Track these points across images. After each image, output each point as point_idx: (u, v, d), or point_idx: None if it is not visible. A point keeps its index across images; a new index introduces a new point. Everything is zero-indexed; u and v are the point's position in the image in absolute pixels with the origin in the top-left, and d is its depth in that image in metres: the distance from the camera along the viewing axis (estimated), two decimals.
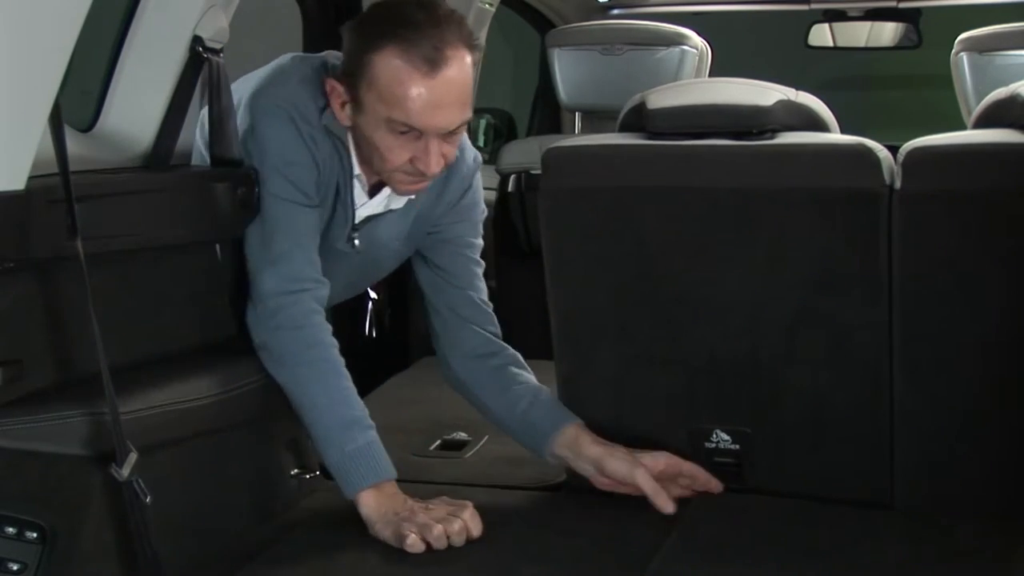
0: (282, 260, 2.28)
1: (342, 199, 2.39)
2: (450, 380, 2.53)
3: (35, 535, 1.89)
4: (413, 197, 2.43)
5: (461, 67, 2.21)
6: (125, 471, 1.89)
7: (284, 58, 2.41)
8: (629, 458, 2.31)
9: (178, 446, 2.08)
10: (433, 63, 2.17)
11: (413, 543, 2.08)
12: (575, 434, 2.37)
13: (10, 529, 1.89)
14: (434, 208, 2.50)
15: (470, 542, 2.13)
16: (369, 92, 2.21)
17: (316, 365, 2.25)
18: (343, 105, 2.28)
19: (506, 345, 2.50)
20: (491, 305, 2.54)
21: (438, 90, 2.18)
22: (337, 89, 2.27)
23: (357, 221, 2.42)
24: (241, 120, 2.31)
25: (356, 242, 2.43)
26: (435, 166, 2.26)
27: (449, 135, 2.26)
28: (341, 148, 2.35)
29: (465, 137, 2.42)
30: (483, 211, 2.60)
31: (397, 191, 2.37)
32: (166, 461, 2.04)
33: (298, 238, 2.31)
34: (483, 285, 2.55)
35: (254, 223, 2.30)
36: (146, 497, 1.90)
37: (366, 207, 2.42)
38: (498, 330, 2.52)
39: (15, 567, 1.88)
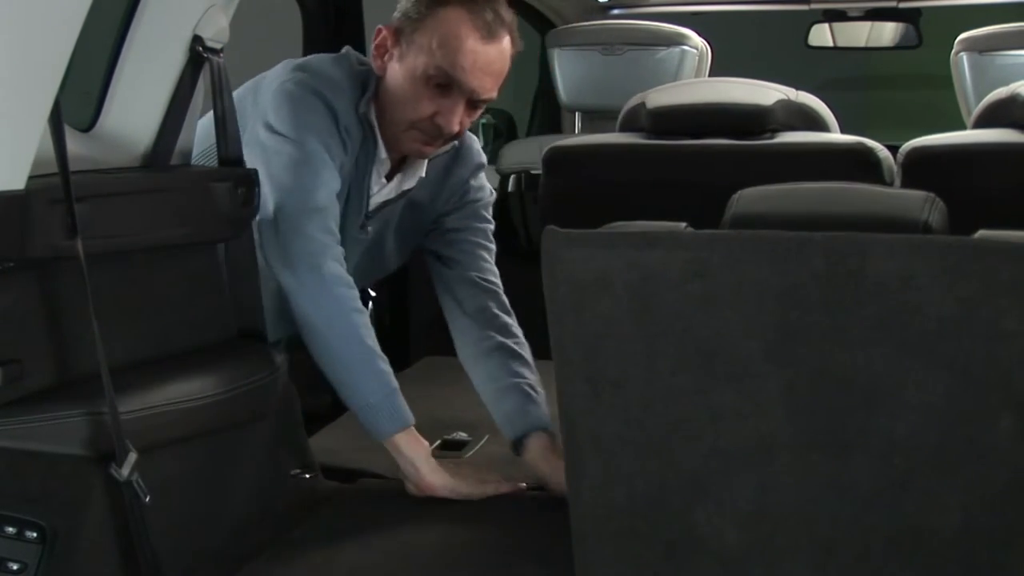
0: (321, 213, 2.35)
1: (358, 186, 2.48)
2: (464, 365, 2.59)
3: (35, 535, 1.89)
4: (423, 175, 2.53)
5: (508, 47, 2.41)
6: (125, 471, 1.89)
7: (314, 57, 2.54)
8: None
9: (178, 446, 2.08)
10: (491, 31, 2.37)
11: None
12: (535, 443, 2.42)
13: (10, 529, 1.89)
14: (439, 193, 2.58)
15: (469, 544, 2.13)
16: (423, 39, 2.37)
17: (352, 306, 2.32)
18: (384, 52, 2.42)
19: (516, 335, 2.54)
20: (501, 287, 2.60)
21: (488, 55, 2.37)
22: (385, 35, 2.43)
23: (371, 208, 2.51)
24: (274, 99, 2.41)
25: (369, 228, 2.52)
26: (455, 125, 2.40)
27: (473, 105, 2.41)
28: (369, 137, 2.46)
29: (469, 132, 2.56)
30: (491, 193, 2.68)
31: (404, 149, 2.48)
32: (166, 461, 2.04)
33: (331, 199, 2.39)
34: (493, 269, 2.61)
35: (290, 172, 2.37)
36: (146, 497, 1.90)
37: (380, 193, 2.52)
38: (508, 319, 2.56)
39: (15, 567, 1.88)
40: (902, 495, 1.61)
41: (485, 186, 2.66)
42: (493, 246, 2.64)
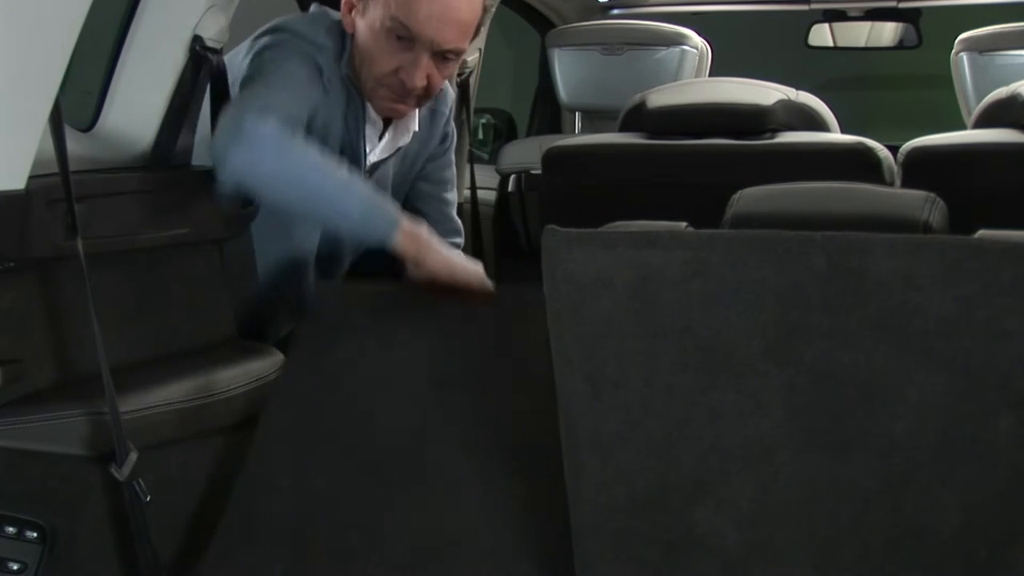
0: (274, 109, 2.20)
1: (352, 148, 2.43)
2: None
3: (35, 535, 1.90)
4: (417, 130, 2.49)
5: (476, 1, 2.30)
6: (125, 471, 1.89)
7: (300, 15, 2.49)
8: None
9: (178, 446, 2.08)
10: None
11: None
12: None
13: (10, 529, 1.89)
14: (428, 140, 2.58)
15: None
16: None
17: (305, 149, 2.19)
18: (351, 8, 2.34)
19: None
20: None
21: (447, 2, 2.25)
22: None
23: (368, 167, 2.48)
24: (250, 62, 2.32)
25: None
26: (418, 80, 2.29)
27: (441, 59, 2.31)
28: (355, 97, 2.40)
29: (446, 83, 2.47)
30: (453, 134, 2.65)
31: (378, 109, 2.40)
32: (166, 461, 2.04)
33: (295, 99, 2.26)
34: (458, 227, 2.63)
35: (259, 82, 2.26)
36: (146, 497, 1.90)
37: (375, 152, 2.48)
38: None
39: (15, 567, 1.88)
40: (902, 495, 1.61)
41: (452, 124, 2.64)
42: (455, 197, 2.66)
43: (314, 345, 2.12)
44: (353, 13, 2.34)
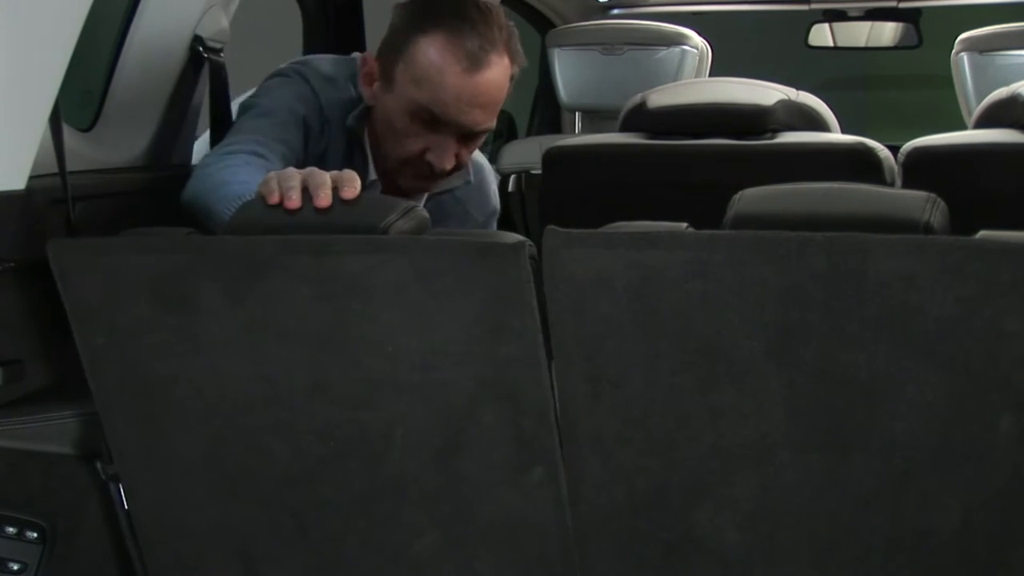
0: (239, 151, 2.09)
1: None
2: None
3: (35, 535, 1.90)
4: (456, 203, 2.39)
5: (501, 72, 2.19)
6: (111, 469, 1.89)
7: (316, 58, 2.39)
8: None
9: None
10: (476, 60, 2.15)
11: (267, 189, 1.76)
12: None
13: (10, 529, 1.89)
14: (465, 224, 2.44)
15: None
16: (405, 71, 2.18)
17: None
18: (372, 82, 2.25)
19: None
20: None
21: (474, 87, 2.17)
22: (371, 63, 2.25)
23: None
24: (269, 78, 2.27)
25: None
26: (447, 163, 2.22)
27: (469, 137, 2.23)
28: (357, 151, 2.31)
29: (478, 152, 2.38)
30: (494, 210, 2.51)
31: (406, 187, 2.30)
32: None
33: (266, 140, 2.14)
34: None
35: (249, 119, 2.18)
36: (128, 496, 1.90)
37: None
38: None
39: (15, 567, 1.88)
40: (902, 495, 1.62)
41: (496, 199, 2.51)
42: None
43: None
44: (374, 87, 2.25)
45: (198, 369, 1.74)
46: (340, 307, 1.67)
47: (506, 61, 2.20)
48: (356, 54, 2.39)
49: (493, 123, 2.25)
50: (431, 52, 2.16)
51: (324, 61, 2.35)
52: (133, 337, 1.76)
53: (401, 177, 2.28)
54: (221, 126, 2.27)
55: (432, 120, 2.18)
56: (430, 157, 2.21)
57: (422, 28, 2.17)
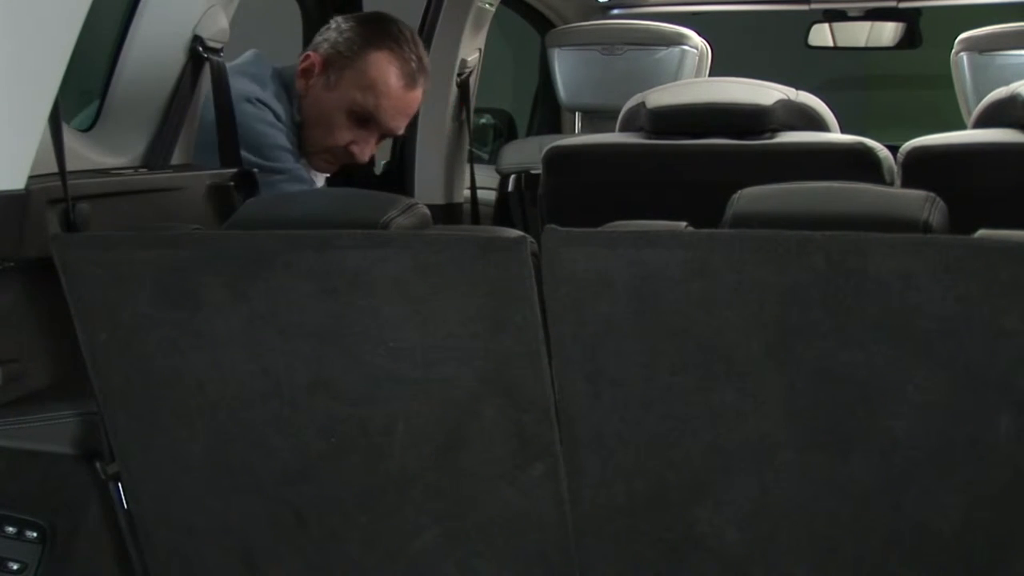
0: None
1: None
2: None
3: (35, 535, 1.89)
4: None
5: (423, 90, 2.70)
6: (110, 469, 1.89)
7: (252, 59, 2.73)
8: None
9: None
10: (413, 80, 2.66)
11: None
12: None
13: (10, 529, 1.89)
14: None
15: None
16: (352, 76, 2.62)
17: None
18: (311, 76, 2.65)
19: None
20: None
21: (409, 100, 2.67)
22: (314, 61, 2.66)
23: None
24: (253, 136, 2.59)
25: None
26: (367, 155, 2.69)
27: (383, 137, 2.72)
28: (298, 154, 2.70)
29: None
30: None
31: (315, 166, 2.72)
32: None
33: None
34: None
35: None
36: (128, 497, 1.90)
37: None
38: None
39: (15, 567, 1.88)
40: (902, 494, 1.61)
41: None
42: None
43: None
44: (311, 82, 2.65)
45: (200, 364, 1.75)
46: (342, 302, 1.67)
47: (426, 80, 2.71)
48: (258, 56, 2.75)
49: (403, 130, 2.74)
50: (380, 66, 2.63)
51: (248, 77, 2.64)
52: (135, 332, 1.76)
53: (317, 159, 2.70)
54: (224, 126, 2.28)
55: (366, 120, 2.64)
56: (354, 149, 2.67)
57: (375, 45, 2.63)
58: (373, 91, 2.62)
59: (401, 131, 2.73)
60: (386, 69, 2.62)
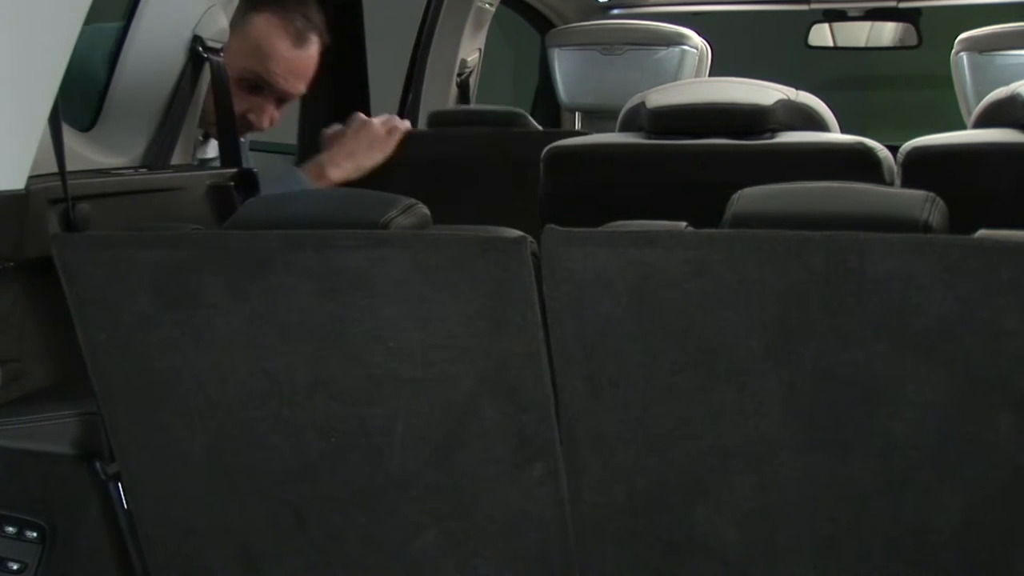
0: None
1: None
2: None
3: (35, 535, 1.90)
4: None
5: (317, 49, 2.60)
6: (110, 469, 1.89)
7: None
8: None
9: None
10: (300, 38, 2.56)
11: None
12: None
13: (10, 529, 1.89)
14: None
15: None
16: (237, 44, 2.45)
17: None
18: None
19: None
20: None
21: (300, 60, 2.58)
22: None
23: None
24: None
25: None
26: (265, 123, 2.61)
27: (282, 102, 2.62)
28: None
29: None
30: None
31: (215, 135, 2.58)
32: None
33: None
34: None
35: None
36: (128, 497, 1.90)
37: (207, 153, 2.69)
38: None
39: (15, 567, 1.88)
40: (902, 494, 1.62)
41: None
42: None
43: None
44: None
45: (200, 364, 1.75)
46: (342, 302, 1.67)
47: (319, 39, 2.60)
48: None
49: (304, 90, 2.63)
50: (264, 28, 2.53)
51: None
52: (136, 332, 1.76)
53: (215, 129, 2.53)
54: (225, 126, 2.29)
55: (257, 86, 2.55)
56: (251, 117, 2.58)
57: (257, 8, 2.52)
58: (258, 55, 2.54)
59: (300, 93, 2.64)
60: (268, 30, 2.54)
